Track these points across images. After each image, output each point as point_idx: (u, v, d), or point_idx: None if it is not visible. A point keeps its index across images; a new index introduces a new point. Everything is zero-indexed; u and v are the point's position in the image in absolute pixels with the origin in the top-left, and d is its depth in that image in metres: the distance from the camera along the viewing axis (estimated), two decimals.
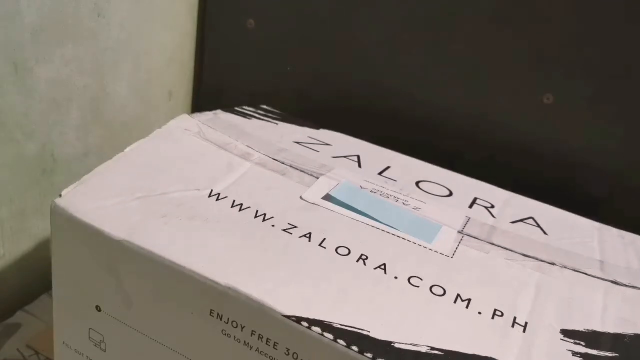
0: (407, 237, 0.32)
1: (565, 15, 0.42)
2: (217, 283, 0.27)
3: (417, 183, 0.38)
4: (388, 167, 0.40)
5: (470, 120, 0.47)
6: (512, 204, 0.39)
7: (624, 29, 0.41)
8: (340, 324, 0.26)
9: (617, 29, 0.41)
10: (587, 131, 0.44)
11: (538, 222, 0.37)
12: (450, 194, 0.38)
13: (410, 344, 0.25)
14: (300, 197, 0.34)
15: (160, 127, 0.39)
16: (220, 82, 0.56)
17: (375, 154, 0.42)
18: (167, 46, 0.52)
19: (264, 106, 0.46)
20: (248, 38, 0.53)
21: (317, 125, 0.45)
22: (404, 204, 0.35)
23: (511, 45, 0.45)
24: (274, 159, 0.38)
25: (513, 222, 0.36)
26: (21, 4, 0.38)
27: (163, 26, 0.51)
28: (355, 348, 0.25)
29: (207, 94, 0.57)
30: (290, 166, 0.37)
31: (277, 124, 0.43)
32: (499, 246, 0.33)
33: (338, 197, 0.34)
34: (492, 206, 0.38)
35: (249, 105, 0.46)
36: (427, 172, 0.41)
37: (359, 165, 0.39)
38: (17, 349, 0.41)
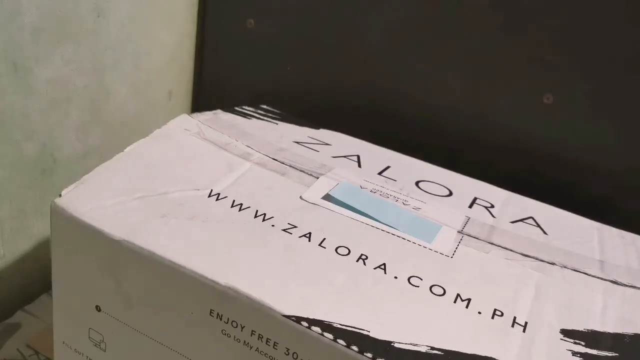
0: (407, 237, 0.32)
1: (566, 15, 0.42)
2: (217, 283, 0.27)
3: (417, 183, 0.38)
4: (388, 167, 0.40)
5: (470, 120, 0.47)
6: (512, 204, 0.39)
7: (624, 29, 0.41)
8: (340, 324, 0.26)
9: (617, 29, 0.41)
10: (587, 131, 0.44)
11: (538, 222, 0.37)
12: (450, 194, 0.38)
13: (410, 344, 0.25)
14: (300, 197, 0.34)
15: (160, 127, 0.39)
16: (220, 82, 0.56)
17: (375, 154, 0.42)
18: (167, 46, 0.52)
19: (264, 106, 0.46)
20: (248, 38, 0.53)
21: (317, 125, 0.45)
22: (403, 203, 0.35)
23: (511, 46, 0.44)
24: (274, 159, 0.38)
25: (513, 222, 0.36)
26: (21, 4, 0.38)
27: (163, 26, 0.51)
28: (355, 348, 0.25)
29: (207, 94, 0.57)
30: (290, 166, 0.37)
31: (277, 124, 0.43)
32: (499, 246, 0.33)
33: (338, 197, 0.34)
34: (492, 206, 0.38)
35: (249, 105, 0.46)
36: (427, 172, 0.41)
37: (359, 165, 0.39)
38: (17, 349, 0.41)
